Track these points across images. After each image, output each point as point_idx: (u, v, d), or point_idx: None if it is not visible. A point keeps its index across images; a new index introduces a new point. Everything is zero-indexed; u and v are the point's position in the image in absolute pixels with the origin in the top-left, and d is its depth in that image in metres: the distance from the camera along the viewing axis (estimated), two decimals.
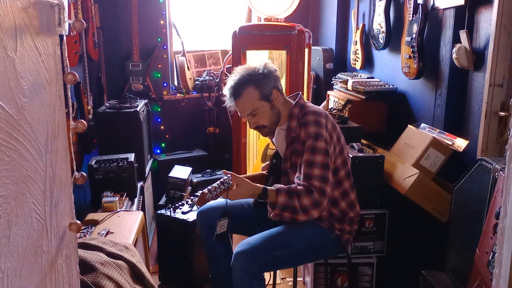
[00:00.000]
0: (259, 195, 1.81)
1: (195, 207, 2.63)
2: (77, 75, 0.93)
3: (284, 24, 3.31)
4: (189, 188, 3.23)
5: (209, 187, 1.74)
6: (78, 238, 1.84)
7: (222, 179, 1.77)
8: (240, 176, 1.85)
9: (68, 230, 1.02)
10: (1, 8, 0.68)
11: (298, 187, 1.81)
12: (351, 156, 2.22)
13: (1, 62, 0.68)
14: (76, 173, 1.02)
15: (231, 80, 1.94)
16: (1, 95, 0.68)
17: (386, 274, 2.45)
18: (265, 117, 1.94)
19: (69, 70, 0.93)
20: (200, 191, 1.84)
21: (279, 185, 1.85)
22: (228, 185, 1.76)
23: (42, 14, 0.85)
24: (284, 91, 2.04)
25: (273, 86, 1.92)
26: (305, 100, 2.04)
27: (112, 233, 2.08)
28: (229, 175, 1.79)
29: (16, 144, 0.74)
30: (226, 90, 1.95)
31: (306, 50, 3.32)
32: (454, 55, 2.24)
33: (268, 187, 1.84)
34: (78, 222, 1.02)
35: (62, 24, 0.90)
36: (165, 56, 4.00)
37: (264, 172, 2.17)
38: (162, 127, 4.06)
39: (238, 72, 1.94)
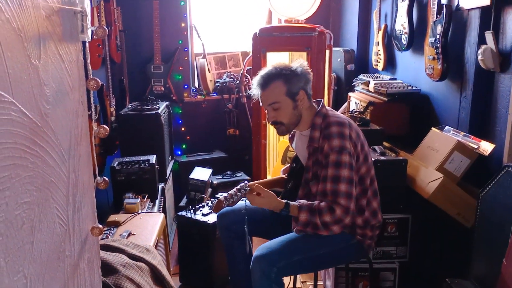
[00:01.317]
0: (281, 209, 1.83)
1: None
2: (99, 81, 0.94)
3: (304, 25, 3.29)
4: (210, 189, 3.24)
5: (226, 195, 1.75)
6: (101, 239, 1.86)
7: (239, 186, 1.79)
8: (265, 189, 1.85)
9: (91, 234, 1.03)
10: (25, 18, 0.69)
11: (321, 204, 1.80)
12: (373, 159, 2.19)
13: (25, 70, 0.70)
14: (98, 177, 1.03)
15: (262, 71, 1.95)
16: (25, 102, 0.69)
17: (408, 280, 2.40)
18: (285, 114, 1.92)
19: (91, 76, 0.94)
20: (217, 198, 1.86)
21: (302, 201, 1.85)
22: (245, 192, 1.78)
23: (65, 22, 0.87)
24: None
25: (301, 86, 1.91)
26: (326, 106, 2.02)
27: (133, 234, 2.10)
28: (246, 182, 1.81)
29: (39, 151, 0.75)
30: (255, 79, 1.96)
31: (327, 51, 3.29)
32: (479, 57, 2.18)
33: (290, 203, 1.84)
34: (100, 226, 1.04)
35: (85, 31, 0.92)
36: (186, 58, 4.03)
37: (284, 176, 2.15)
38: (183, 129, 4.09)
39: (271, 65, 1.95)
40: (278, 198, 1.85)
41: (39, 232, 0.75)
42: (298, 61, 1.98)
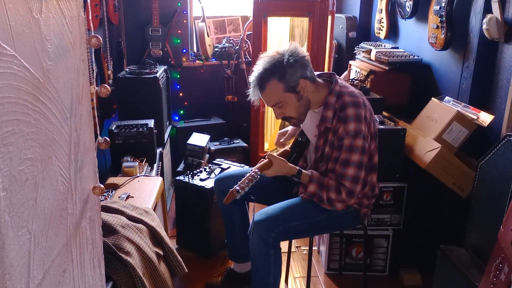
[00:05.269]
0: (293, 175, 1.87)
1: (212, 175, 2.66)
2: (100, 38, 0.91)
3: None
4: (207, 155, 3.25)
5: (237, 187, 1.73)
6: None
7: (250, 176, 1.77)
8: (277, 156, 1.88)
9: (92, 193, 1.03)
10: None
11: (330, 181, 1.82)
12: None
13: (27, 23, 0.68)
14: (99, 137, 1.02)
15: (255, 71, 1.85)
16: (27, 57, 0.67)
17: (402, 247, 2.45)
18: (291, 108, 1.86)
19: (92, 34, 0.92)
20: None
21: (314, 173, 1.86)
22: (256, 181, 1.78)
23: None
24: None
25: (299, 76, 1.81)
26: (339, 79, 1.92)
27: (132, 197, 2.12)
28: (257, 170, 1.80)
29: (42, 107, 0.74)
30: (251, 81, 1.87)
31: (329, 17, 3.23)
32: (484, 26, 2.15)
33: (303, 171, 1.87)
34: (102, 186, 1.04)
35: None
36: (184, 21, 3.94)
37: (287, 148, 2.14)
38: (180, 94, 4.05)
39: (262, 62, 1.83)
40: (290, 164, 1.88)
41: (42, 189, 0.75)
42: (290, 45, 1.85)
